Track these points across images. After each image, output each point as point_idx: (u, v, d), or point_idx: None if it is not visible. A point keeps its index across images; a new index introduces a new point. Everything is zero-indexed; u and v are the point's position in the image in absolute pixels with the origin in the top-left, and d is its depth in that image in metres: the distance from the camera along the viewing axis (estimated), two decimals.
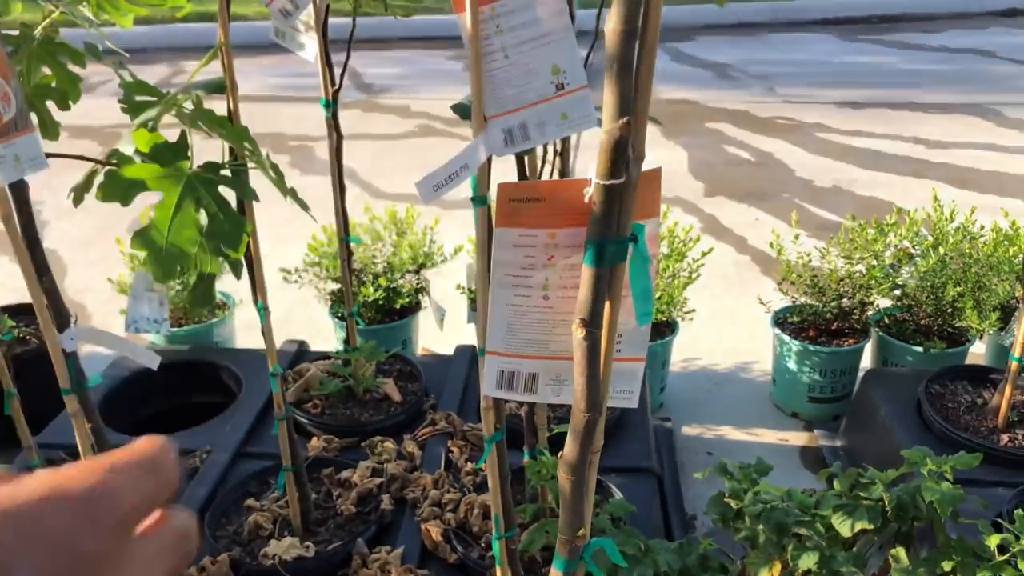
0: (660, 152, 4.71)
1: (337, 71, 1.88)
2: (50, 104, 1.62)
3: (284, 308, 3.18)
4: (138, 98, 1.39)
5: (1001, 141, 4.84)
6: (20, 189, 1.23)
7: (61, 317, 1.12)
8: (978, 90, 5.83)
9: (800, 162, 4.60)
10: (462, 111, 1.28)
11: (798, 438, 2.50)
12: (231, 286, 2.81)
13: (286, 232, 3.44)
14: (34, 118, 1.45)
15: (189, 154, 1.31)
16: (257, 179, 1.40)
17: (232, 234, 1.32)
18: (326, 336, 3.03)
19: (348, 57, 1.83)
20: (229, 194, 1.33)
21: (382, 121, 5.46)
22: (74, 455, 2.05)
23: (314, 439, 2.08)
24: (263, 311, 1.61)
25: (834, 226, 3.79)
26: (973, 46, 7.07)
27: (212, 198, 1.32)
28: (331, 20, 1.90)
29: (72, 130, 4.55)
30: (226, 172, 1.39)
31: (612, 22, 0.57)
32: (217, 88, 1.32)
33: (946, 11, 8.20)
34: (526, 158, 1.30)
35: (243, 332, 2.79)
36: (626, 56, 0.58)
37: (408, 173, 4.58)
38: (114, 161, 1.25)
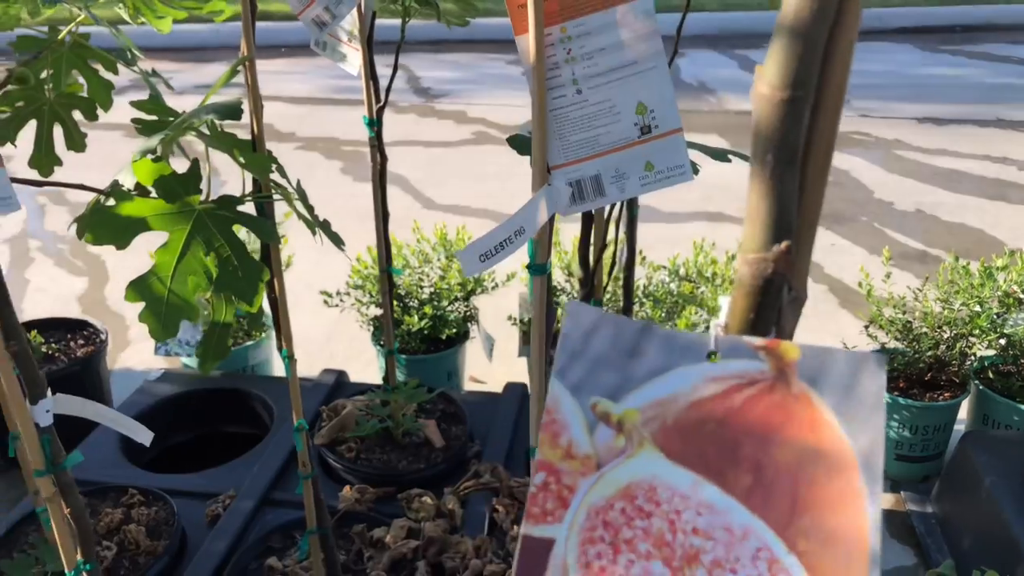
0: (726, 166, 4.44)
1: (384, 82, 1.69)
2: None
3: (326, 328, 3.01)
4: (150, 118, 1.21)
5: None
6: None
7: (35, 387, 0.93)
8: None
9: (879, 182, 4.30)
10: (519, 145, 1.07)
11: (883, 500, 2.24)
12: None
13: (346, 253, 3.27)
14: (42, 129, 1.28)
15: (202, 187, 1.13)
16: (305, 172, 1.20)
17: (246, 285, 1.12)
18: (368, 359, 2.85)
19: (395, 71, 1.64)
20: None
21: (437, 127, 5.29)
22: (93, 495, 1.89)
23: (346, 488, 1.89)
24: (288, 360, 1.42)
25: (918, 255, 3.50)
26: None
27: (225, 240, 1.13)
28: (379, 21, 1.71)
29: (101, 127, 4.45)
30: (245, 208, 1.20)
31: (765, 83, 0.36)
32: (233, 112, 1.13)
33: None
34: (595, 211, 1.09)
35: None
36: (789, 140, 0.36)
37: (462, 182, 4.38)
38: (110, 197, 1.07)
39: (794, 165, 0.37)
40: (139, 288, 1.06)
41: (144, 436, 1.03)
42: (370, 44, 1.61)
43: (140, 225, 1.08)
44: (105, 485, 1.91)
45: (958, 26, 7.75)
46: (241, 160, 1.18)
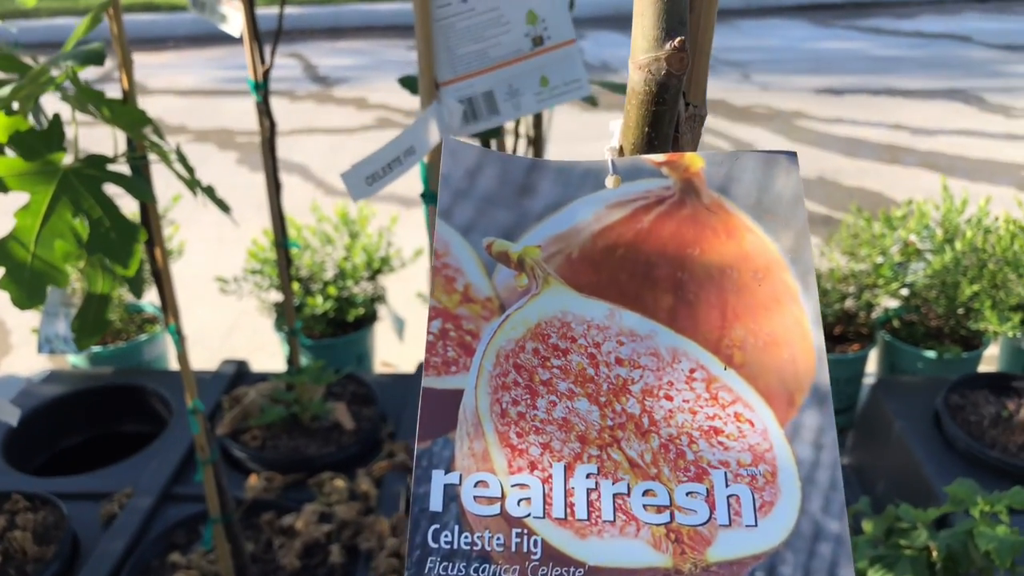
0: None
1: (269, 49, 1.59)
2: None
3: (227, 321, 2.88)
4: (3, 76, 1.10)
5: (986, 127, 4.64)
6: None
7: None
8: (957, 75, 5.65)
9: None
10: (412, 84, 1.00)
11: None
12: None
13: (232, 235, 3.14)
14: None
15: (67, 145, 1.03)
16: (199, 165, 1.11)
17: (120, 247, 1.03)
18: (273, 350, 2.73)
19: (280, 27, 1.54)
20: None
21: (337, 114, 5.15)
22: None
23: (252, 476, 1.79)
24: (177, 336, 1.32)
25: (822, 219, 3.56)
26: (948, 31, 6.90)
27: (96, 200, 1.04)
28: (264, 11, 1.61)
29: None
30: (118, 168, 1.10)
31: None
32: (95, 58, 1.03)
33: None
34: (493, 141, 1.03)
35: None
36: None
37: None
38: None
39: None
40: None
41: (11, 415, 0.93)
42: (252, 1, 1.51)
43: None
44: None
45: (849, 2, 7.98)
46: (110, 116, 1.08)
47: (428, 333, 0.37)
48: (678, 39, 0.32)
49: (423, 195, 0.77)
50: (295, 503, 1.71)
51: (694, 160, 0.38)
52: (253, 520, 1.70)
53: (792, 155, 0.39)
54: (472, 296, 0.38)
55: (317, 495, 1.74)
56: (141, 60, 6.32)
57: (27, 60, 1.41)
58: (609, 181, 0.39)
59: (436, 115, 0.73)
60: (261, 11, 1.56)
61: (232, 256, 2.72)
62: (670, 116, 0.36)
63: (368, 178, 0.69)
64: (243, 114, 5.09)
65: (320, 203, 3.34)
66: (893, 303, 2.29)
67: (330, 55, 6.58)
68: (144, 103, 1.06)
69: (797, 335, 0.37)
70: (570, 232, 0.38)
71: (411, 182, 4.03)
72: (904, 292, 2.21)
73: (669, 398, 0.36)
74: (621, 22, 7.44)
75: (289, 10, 1.62)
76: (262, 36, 1.57)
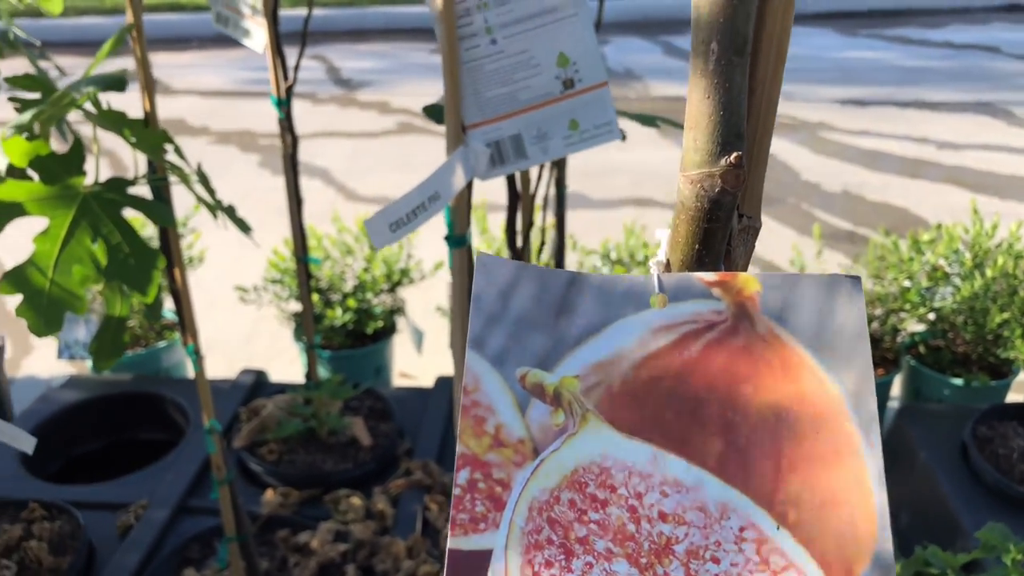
0: (656, 153, 4.43)
1: (293, 63, 1.58)
2: None
3: (246, 326, 2.88)
4: (27, 96, 1.09)
5: (1015, 142, 4.58)
6: None
7: None
8: (986, 88, 5.57)
9: (805, 165, 4.32)
10: (436, 114, 0.98)
11: None
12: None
13: (253, 239, 3.14)
14: None
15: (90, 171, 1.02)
16: (221, 167, 1.10)
17: (139, 274, 1.02)
18: (291, 358, 2.73)
19: (304, 45, 1.53)
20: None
21: (360, 118, 5.15)
22: None
23: (269, 491, 1.78)
24: (195, 356, 1.31)
25: (846, 234, 3.52)
26: (977, 42, 6.82)
27: (115, 225, 1.03)
28: (289, 12, 1.60)
29: None
30: (138, 191, 1.09)
31: None
32: (117, 84, 1.02)
33: (948, 6, 7.94)
34: (518, 175, 1.01)
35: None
36: (738, 23, 0.28)
37: (386, 173, 4.27)
38: None
39: (744, 55, 0.30)
40: (16, 279, 0.95)
41: (27, 444, 0.92)
42: (276, 17, 1.50)
43: (14, 210, 0.97)
44: (3, 500, 1.77)
45: (876, 10, 7.90)
46: (132, 139, 1.07)
47: (456, 485, 0.35)
48: (735, 155, 0.30)
49: (447, 238, 0.75)
50: (310, 520, 1.70)
51: (749, 282, 0.35)
52: (268, 536, 1.69)
53: (856, 280, 0.36)
54: (503, 439, 0.35)
55: (333, 512, 1.72)
56: (165, 60, 6.35)
57: (52, 60, 1.41)
58: (655, 301, 0.36)
59: (462, 159, 0.71)
60: (285, 12, 1.53)
61: (252, 260, 2.71)
62: (723, 233, 0.33)
63: (392, 225, 0.67)
64: (266, 116, 5.09)
65: (340, 209, 3.33)
66: (919, 327, 2.26)
67: (353, 57, 6.58)
68: (167, 103, 1.05)
69: (858, 494, 0.34)
70: (612, 360, 0.36)
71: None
72: (931, 317, 2.17)
73: (716, 560, 0.33)
74: (645, 27, 7.40)
75: (313, 11, 1.62)
76: (285, 39, 1.56)
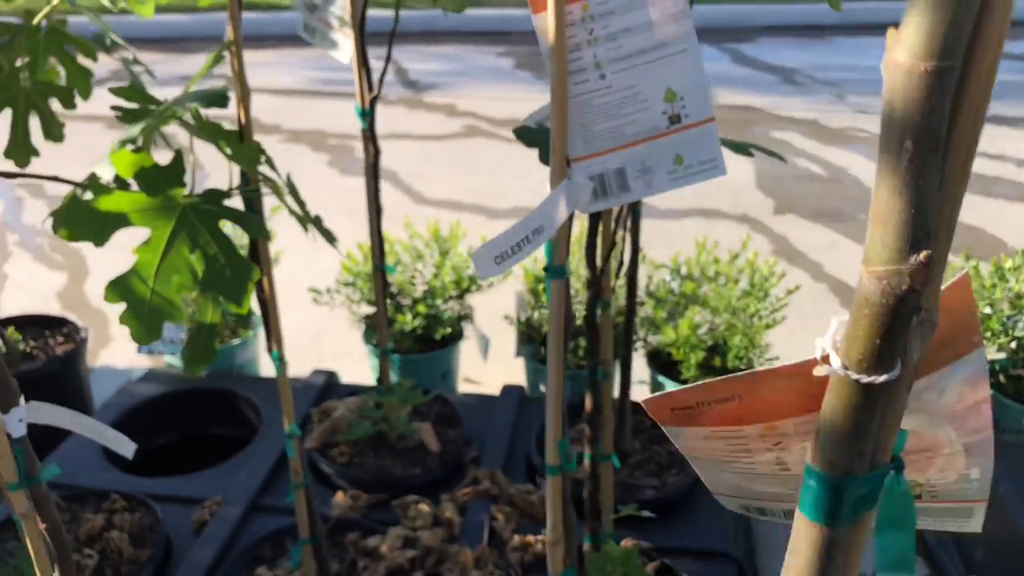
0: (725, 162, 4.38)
1: (376, 74, 1.61)
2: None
3: (316, 325, 2.93)
4: (131, 106, 1.13)
5: None
6: None
7: (6, 394, 0.86)
8: None
9: None
10: (527, 136, 0.99)
11: None
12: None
13: (337, 248, 3.19)
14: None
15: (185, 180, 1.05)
16: (291, 165, 1.13)
17: (234, 285, 1.05)
18: (359, 357, 2.76)
19: (388, 59, 1.56)
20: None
21: (427, 120, 5.20)
22: (73, 499, 1.81)
23: (339, 493, 1.81)
24: (279, 363, 1.35)
25: None
26: None
27: (211, 236, 1.05)
28: (371, 13, 1.62)
29: (81, 118, 4.35)
30: (232, 203, 1.12)
31: (904, 50, 0.29)
32: (219, 100, 1.06)
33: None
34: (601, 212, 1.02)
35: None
36: (933, 123, 0.29)
37: (453, 176, 4.30)
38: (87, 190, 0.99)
39: (937, 154, 0.30)
40: (120, 288, 0.99)
41: (127, 448, 0.96)
42: (362, 30, 1.52)
43: (119, 221, 1.01)
44: (86, 490, 1.83)
45: None
46: (228, 152, 1.10)
47: None
48: (924, 254, 0.31)
49: (546, 269, 0.76)
50: (379, 524, 1.73)
51: None
52: (338, 539, 1.72)
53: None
54: None
55: (401, 518, 1.75)
56: None
57: (142, 63, 1.45)
58: None
59: (566, 193, 0.72)
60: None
61: (322, 260, 2.76)
62: (904, 329, 0.34)
63: (497, 258, 0.69)
64: (337, 116, 5.17)
65: (409, 212, 3.37)
66: (999, 355, 2.20)
67: (422, 59, 6.64)
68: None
69: None
70: None
71: (498, 194, 4.04)
72: (1012, 345, 2.11)
73: None
74: (711, 34, 7.33)
75: (386, 12, 1.66)
76: (367, 39, 1.57)
